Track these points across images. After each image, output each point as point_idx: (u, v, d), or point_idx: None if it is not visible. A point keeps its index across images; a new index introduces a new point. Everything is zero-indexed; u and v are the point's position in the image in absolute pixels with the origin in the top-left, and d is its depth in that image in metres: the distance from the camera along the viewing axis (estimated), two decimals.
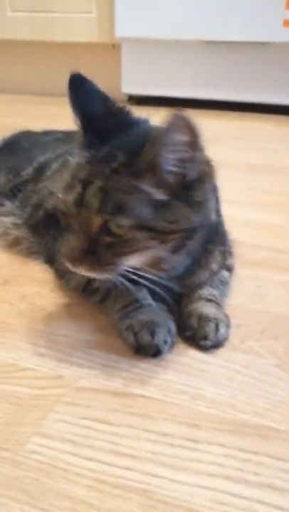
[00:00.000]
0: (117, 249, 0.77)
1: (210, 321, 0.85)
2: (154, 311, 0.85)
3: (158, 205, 0.76)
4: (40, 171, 1.15)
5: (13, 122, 1.58)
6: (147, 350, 0.82)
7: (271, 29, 2.15)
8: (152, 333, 0.82)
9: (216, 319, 0.85)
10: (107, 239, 0.76)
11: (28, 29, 2.53)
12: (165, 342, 0.83)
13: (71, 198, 0.76)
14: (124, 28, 2.33)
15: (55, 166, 1.13)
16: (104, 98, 0.84)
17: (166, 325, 0.84)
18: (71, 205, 0.77)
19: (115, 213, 0.74)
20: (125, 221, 0.74)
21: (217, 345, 0.85)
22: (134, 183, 0.75)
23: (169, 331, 0.84)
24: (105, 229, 0.75)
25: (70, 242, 0.77)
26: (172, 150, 0.74)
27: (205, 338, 0.84)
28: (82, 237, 0.76)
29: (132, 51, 2.42)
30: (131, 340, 0.83)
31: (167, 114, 0.71)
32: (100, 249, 0.76)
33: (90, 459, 0.65)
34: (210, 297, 0.90)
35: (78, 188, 0.76)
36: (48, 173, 1.12)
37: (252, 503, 0.60)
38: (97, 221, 0.75)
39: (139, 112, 0.88)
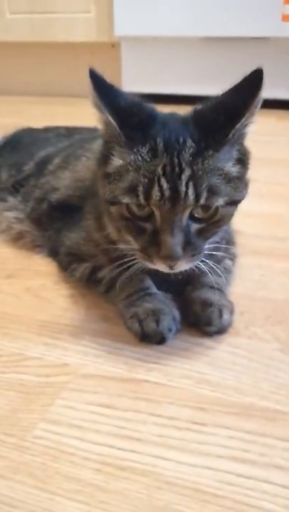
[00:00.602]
0: (206, 232, 0.77)
1: (214, 307, 0.85)
2: (158, 299, 0.86)
3: (234, 177, 0.77)
4: (42, 165, 1.15)
5: (15, 122, 1.59)
6: (152, 338, 0.83)
7: (270, 24, 2.15)
8: (157, 321, 0.83)
9: (219, 305, 0.86)
10: (196, 226, 0.76)
11: (27, 30, 2.54)
12: (170, 329, 0.83)
13: (156, 196, 0.72)
14: (123, 26, 2.33)
15: (57, 160, 1.13)
16: (121, 92, 0.81)
17: (171, 312, 0.84)
18: (158, 203, 0.73)
19: (209, 197, 0.74)
20: (219, 201, 0.74)
21: (221, 330, 0.85)
22: (216, 164, 0.75)
23: (174, 318, 0.84)
24: (191, 217, 0.75)
25: (168, 242, 0.73)
26: (247, 119, 0.76)
27: (209, 323, 0.85)
28: (179, 232, 0.73)
29: (132, 50, 2.43)
30: (136, 328, 0.83)
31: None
32: (193, 238, 0.76)
33: (96, 443, 0.66)
34: (213, 284, 0.90)
35: (162, 183, 0.72)
36: (50, 167, 1.12)
37: (259, 482, 0.60)
38: (187, 211, 0.74)
39: None
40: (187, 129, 0.77)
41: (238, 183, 0.78)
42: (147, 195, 0.73)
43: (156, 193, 0.72)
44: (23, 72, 2.76)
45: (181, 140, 0.75)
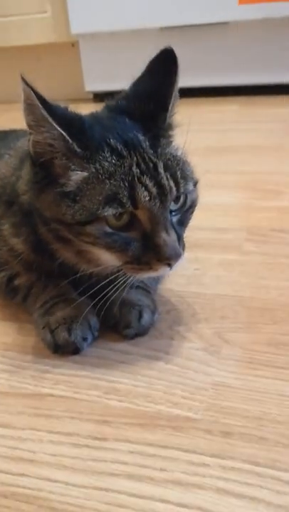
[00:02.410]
0: (185, 221, 0.76)
1: (132, 307, 0.79)
2: (74, 305, 0.79)
3: (184, 160, 0.75)
4: None
5: None
6: (65, 349, 0.77)
7: (227, 9, 2.08)
8: (69, 330, 0.77)
9: (139, 306, 0.80)
10: (174, 218, 0.73)
11: None
12: (84, 339, 0.77)
13: (144, 197, 0.67)
14: (79, 24, 2.27)
15: None
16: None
17: (86, 320, 0.78)
18: (147, 204, 0.67)
19: (184, 184, 0.71)
20: (190, 186, 0.73)
21: (141, 332, 0.79)
22: (170, 151, 0.73)
23: (90, 326, 0.78)
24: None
25: (168, 241, 0.68)
26: (175, 98, 0.76)
27: (127, 326, 0.79)
28: (171, 228, 0.70)
29: (91, 47, 2.36)
30: (48, 339, 0.78)
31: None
32: (179, 230, 0.73)
33: None
34: (137, 283, 0.83)
35: (146, 182, 0.67)
36: None
37: (152, 502, 0.54)
38: (170, 205, 0.70)
39: None
40: (127, 124, 0.73)
41: (188, 165, 0.76)
42: (134, 199, 0.67)
43: (143, 194, 0.67)
44: None
45: (132, 135, 0.71)
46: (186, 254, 0.97)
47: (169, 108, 0.75)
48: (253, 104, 2.11)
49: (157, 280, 0.91)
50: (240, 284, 0.91)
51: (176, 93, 0.75)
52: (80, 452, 0.61)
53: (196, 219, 1.13)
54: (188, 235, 1.04)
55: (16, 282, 0.87)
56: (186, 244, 0.93)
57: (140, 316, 0.79)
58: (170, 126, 0.76)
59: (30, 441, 0.63)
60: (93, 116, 0.78)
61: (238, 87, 2.24)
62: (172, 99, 0.75)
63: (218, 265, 0.97)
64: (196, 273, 0.95)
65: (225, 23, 2.15)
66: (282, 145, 1.63)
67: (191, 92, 2.28)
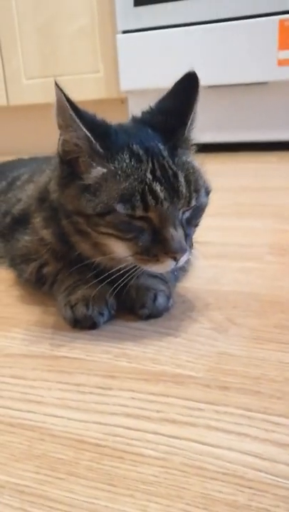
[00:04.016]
0: (194, 220, 0.80)
1: (148, 290, 0.84)
2: (93, 286, 0.85)
3: (199, 169, 0.82)
4: (12, 183, 1.20)
5: None
6: (83, 323, 0.82)
7: (267, 69, 2.21)
8: (87, 306, 0.82)
9: (154, 289, 0.85)
10: (184, 217, 0.78)
11: (42, 93, 2.66)
12: (101, 314, 0.82)
13: (151, 202, 0.73)
14: (129, 82, 2.44)
15: (25, 177, 1.18)
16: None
17: (104, 298, 0.83)
18: (154, 208, 0.74)
19: (196, 190, 0.78)
20: (203, 191, 0.80)
21: (155, 314, 0.84)
22: (187, 160, 0.80)
23: (107, 303, 0.84)
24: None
25: (175, 236, 0.74)
26: (194, 115, 0.84)
27: (142, 306, 0.84)
28: (179, 225, 0.75)
29: (139, 103, 2.51)
30: (69, 315, 0.83)
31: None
32: (187, 229, 0.78)
33: None
34: (155, 274, 0.89)
35: (156, 187, 0.74)
36: (18, 183, 1.17)
37: (145, 433, 0.58)
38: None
39: None
40: (150, 134, 0.81)
41: (202, 174, 0.82)
42: (146, 203, 0.74)
43: (155, 198, 0.73)
44: (42, 132, 2.88)
45: (153, 143, 0.79)
46: (208, 262, 1.04)
47: (188, 123, 0.82)
48: None
49: (176, 277, 0.96)
50: (256, 284, 0.95)
51: (195, 110, 0.83)
52: (85, 397, 0.65)
53: (222, 237, 1.19)
54: (213, 249, 1.11)
55: (44, 271, 0.93)
56: (207, 255, 0.99)
57: (155, 298, 0.84)
58: (188, 139, 0.83)
59: (41, 388, 0.68)
60: (120, 125, 0.86)
61: (278, 142, 2.33)
62: (192, 115, 0.82)
63: (236, 270, 1.01)
64: (216, 275, 0.99)
65: (265, 83, 2.27)
66: None
67: (233, 147, 2.39)
